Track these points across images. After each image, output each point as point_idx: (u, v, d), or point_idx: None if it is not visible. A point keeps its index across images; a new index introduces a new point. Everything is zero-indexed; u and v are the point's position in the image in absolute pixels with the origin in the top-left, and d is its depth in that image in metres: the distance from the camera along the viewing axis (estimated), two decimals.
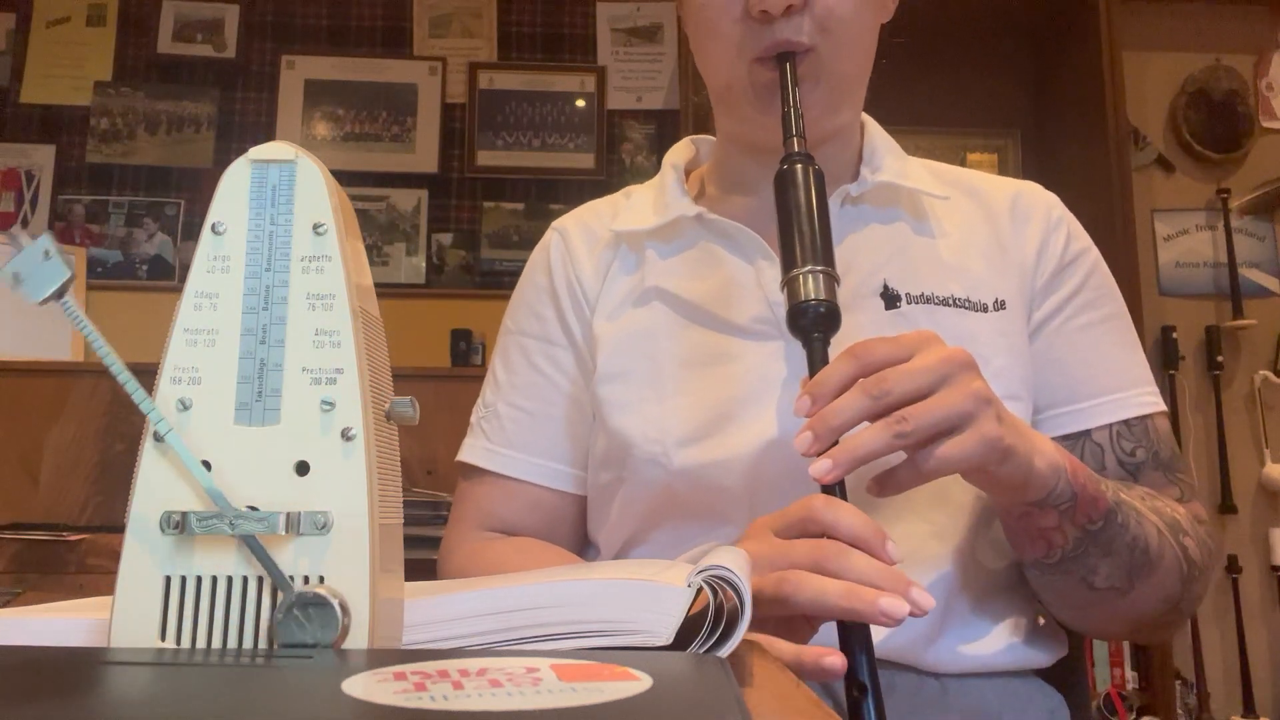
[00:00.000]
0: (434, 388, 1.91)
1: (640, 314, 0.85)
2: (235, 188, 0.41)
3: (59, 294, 0.38)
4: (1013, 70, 2.86)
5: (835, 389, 0.61)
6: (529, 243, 2.63)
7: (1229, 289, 2.75)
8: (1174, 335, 2.68)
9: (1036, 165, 2.85)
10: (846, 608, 0.55)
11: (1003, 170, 2.87)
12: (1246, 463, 2.70)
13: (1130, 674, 2.37)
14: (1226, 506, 2.64)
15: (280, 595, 0.37)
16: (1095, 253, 0.87)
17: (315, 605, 0.36)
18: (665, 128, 2.74)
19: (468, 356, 2.45)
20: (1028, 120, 2.89)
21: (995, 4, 2.61)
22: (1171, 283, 2.79)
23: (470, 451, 0.90)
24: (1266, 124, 2.85)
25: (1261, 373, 2.72)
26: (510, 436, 0.88)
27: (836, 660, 0.55)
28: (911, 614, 0.56)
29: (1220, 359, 2.71)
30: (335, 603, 0.36)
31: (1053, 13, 2.69)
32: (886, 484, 0.63)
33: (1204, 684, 2.52)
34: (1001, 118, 2.89)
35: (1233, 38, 2.87)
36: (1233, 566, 2.60)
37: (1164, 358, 2.67)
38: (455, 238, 2.65)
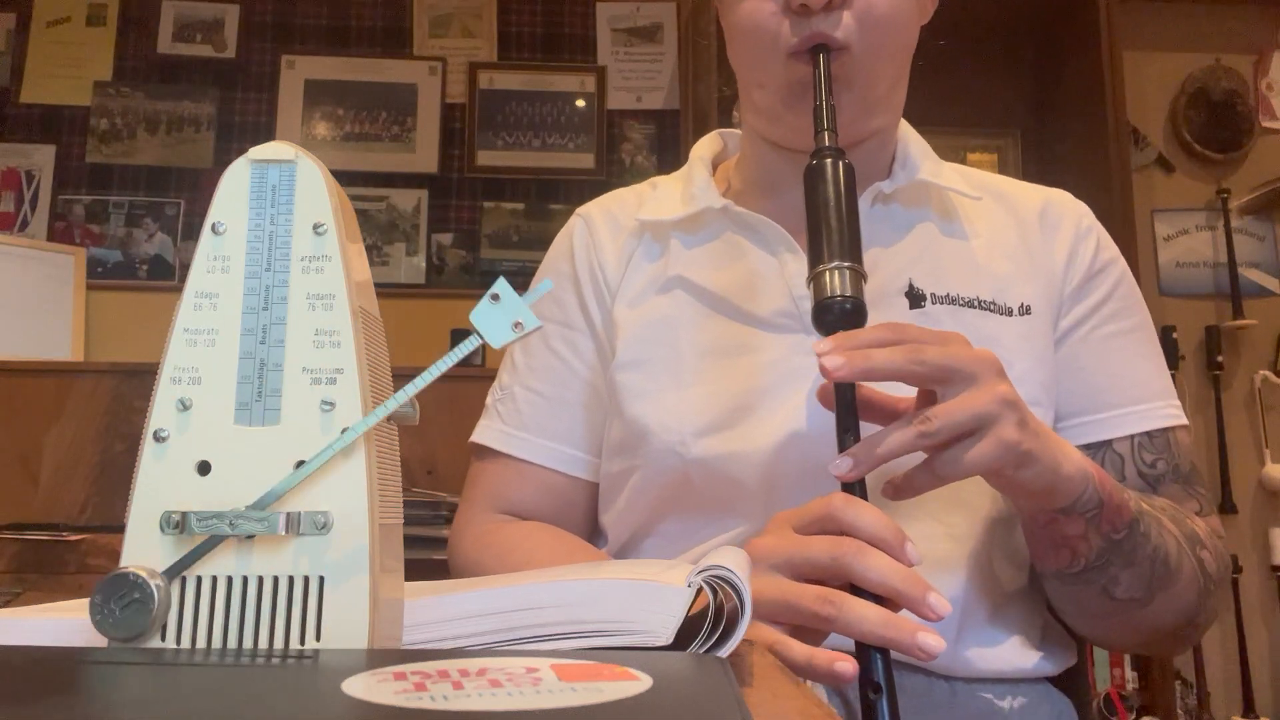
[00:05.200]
0: (434, 388, 1.90)
1: (662, 302, 0.84)
2: (235, 188, 0.41)
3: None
4: (1013, 70, 2.86)
5: (866, 340, 0.61)
6: (529, 243, 2.65)
7: (1229, 289, 2.75)
8: (1174, 335, 2.68)
9: (1036, 165, 2.85)
10: (884, 637, 0.56)
11: (1003, 170, 2.87)
12: (1246, 463, 2.69)
13: (1130, 674, 2.37)
14: (1226, 506, 2.64)
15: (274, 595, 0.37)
16: (1123, 263, 0.87)
17: (130, 589, 0.36)
18: (665, 128, 2.73)
19: (468, 357, 2.45)
20: (1028, 120, 2.88)
21: (995, 4, 2.61)
22: (1171, 283, 2.79)
23: (484, 433, 0.90)
24: (1266, 124, 2.85)
25: (1261, 373, 2.72)
26: (525, 420, 0.88)
27: (848, 666, 0.55)
28: (927, 618, 0.56)
29: (1220, 359, 2.70)
30: (151, 583, 0.36)
31: (1053, 13, 2.68)
32: (902, 488, 0.63)
33: (1204, 684, 2.52)
34: (1001, 118, 2.88)
35: (1233, 38, 2.87)
36: (1233, 566, 2.60)
37: (1164, 358, 2.67)
38: (455, 238, 2.65)
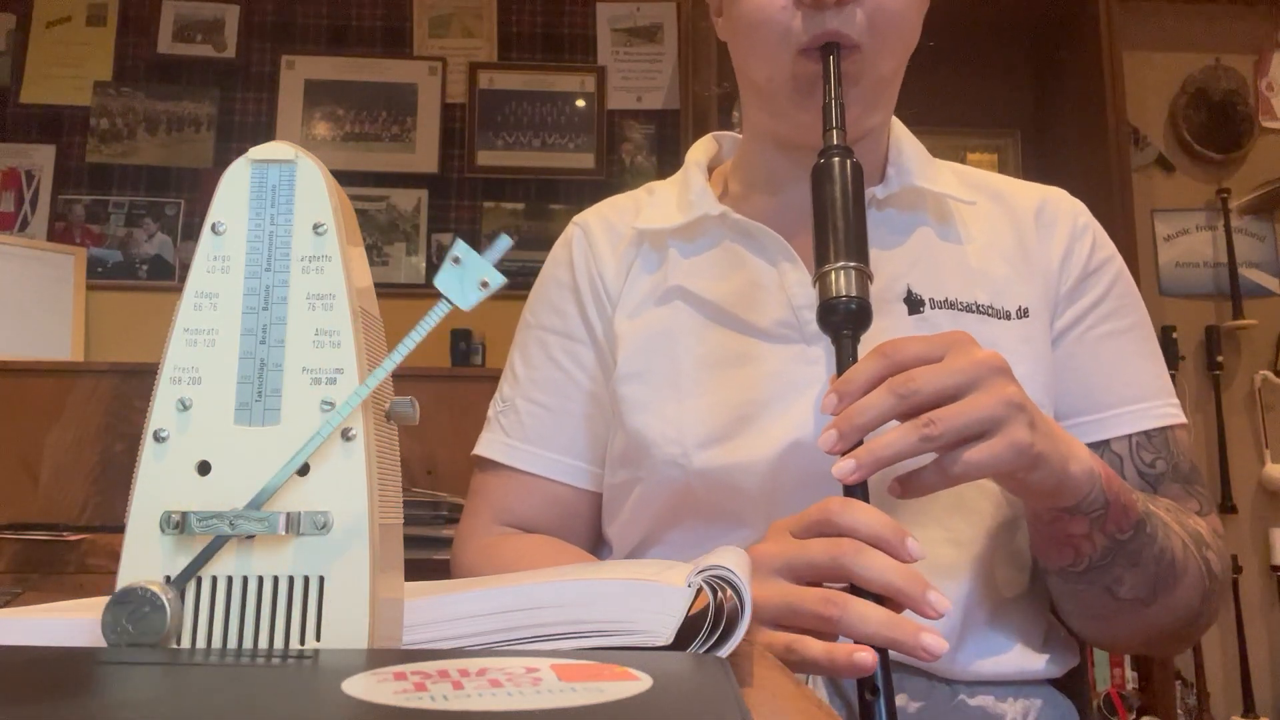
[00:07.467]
0: (434, 388, 1.91)
1: (661, 313, 0.84)
2: (235, 188, 0.41)
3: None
4: (1013, 70, 2.86)
5: (863, 387, 0.60)
6: (529, 243, 2.64)
7: (1229, 289, 2.75)
8: (1174, 335, 2.68)
9: (1036, 165, 2.85)
10: (887, 637, 0.55)
11: (1003, 170, 2.87)
12: (1246, 463, 2.69)
13: (1130, 674, 2.37)
14: (1226, 506, 2.64)
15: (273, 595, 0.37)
16: (1119, 262, 0.86)
17: (141, 603, 0.36)
18: (665, 128, 2.74)
19: (468, 356, 2.45)
20: (1028, 120, 2.88)
21: (995, 4, 2.61)
22: (1171, 283, 2.79)
23: (487, 446, 0.90)
24: (1266, 124, 2.85)
25: (1261, 373, 2.72)
26: (528, 432, 0.88)
27: (868, 656, 0.54)
28: (928, 616, 0.56)
29: (1220, 359, 2.71)
30: (164, 598, 0.36)
31: (1053, 13, 2.68)
32: (911, 485, 0.62)
33: (1204, 684, 2.52)
34: (1001, 118, 2.88)
35: (1233, 38, 2.87)
36: (1233, 566, 2.60)
37: (1164, 358, 2.66)
38: (455, 238, 2.65)
